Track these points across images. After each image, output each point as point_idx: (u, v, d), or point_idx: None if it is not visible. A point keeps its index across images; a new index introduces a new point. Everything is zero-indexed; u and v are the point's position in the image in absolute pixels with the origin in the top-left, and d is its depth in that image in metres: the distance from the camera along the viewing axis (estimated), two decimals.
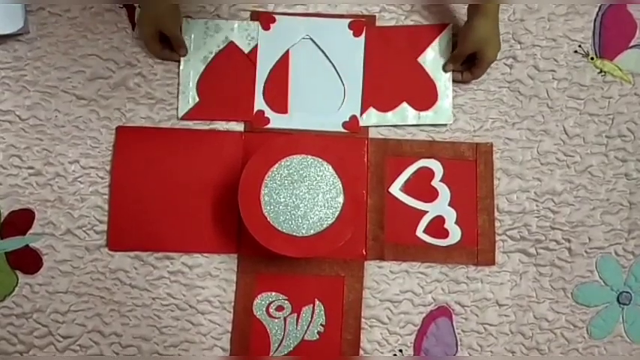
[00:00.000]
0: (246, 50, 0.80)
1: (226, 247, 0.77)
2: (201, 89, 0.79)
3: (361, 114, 0.79)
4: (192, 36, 0.79)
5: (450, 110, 0.79)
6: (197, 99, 0.79)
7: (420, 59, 0.80)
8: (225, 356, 0.75)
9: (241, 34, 0.80)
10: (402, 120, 0.79)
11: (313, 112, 0.79)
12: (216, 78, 0.79)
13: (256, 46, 0.80)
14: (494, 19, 0.74)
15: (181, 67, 0.79)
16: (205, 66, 0.79)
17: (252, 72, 0.79)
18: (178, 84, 0.79)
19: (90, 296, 0.76)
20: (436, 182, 0.78)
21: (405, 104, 0.79)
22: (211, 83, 0.79)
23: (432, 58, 0.80)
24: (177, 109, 0.78)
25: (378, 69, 0.80)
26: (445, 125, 0.79)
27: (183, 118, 0.78)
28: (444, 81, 0.80)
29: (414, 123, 0.79)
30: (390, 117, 0.79)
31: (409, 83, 0.80)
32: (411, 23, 0.81)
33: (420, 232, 0.78)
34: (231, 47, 0.80)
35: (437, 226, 0.78)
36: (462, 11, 0.80)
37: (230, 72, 0.79)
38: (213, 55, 0.79)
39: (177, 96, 0.79)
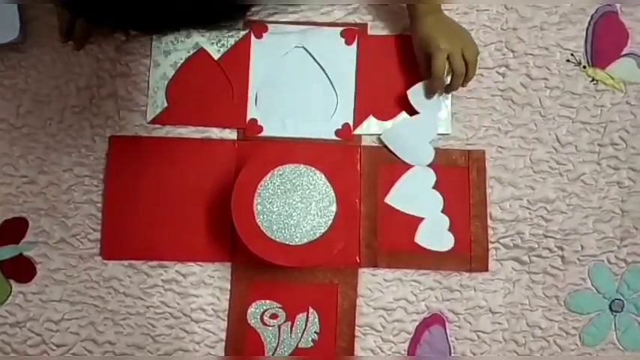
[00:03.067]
0: (216, 57, 0.80)
1: (220, 256, 0.77)
2: (170, 94, 0.79)
3: (358, 122, 0.79)
4: (163, 41, 0.79)
5: (448, 120, 0.79)
6: (166, 104, 0.79)
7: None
8: (221, 356, 0.75)
9: (212, 40, 0.80)
10: None
11: (306, 120, 0.79)
12: (185, 83, 0.79)
13: (226, 52, 0.80)
14: (429, 23, 0.73)
15: (151, 72, 0.79)
16: (175, 71, 0.79)
17: (221, 78, 0.79)
18: (148, 88, 0.79)
19: (84, 305, 0.76)
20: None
21: (404, 113, 0.80)
22: (180, 88, 0.79)
23: None
24: (145, 113, 0.79)
25: (374, 77, 0.80)
26: (444, 134, 0.79)
27: (151, 122, 0.78)
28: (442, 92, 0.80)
29: None
30: (390, 126, 0.79)
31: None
32: (406, 32, 0.81)
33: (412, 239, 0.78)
34: (201, 53, 0.80)
35: None
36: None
37: (199, 78, 0.79)
38: (183, 60, 0.80)
39: (147, 100, 0.79)
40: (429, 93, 0.78)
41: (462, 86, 0.77)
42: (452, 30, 0.75)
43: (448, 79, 0.76)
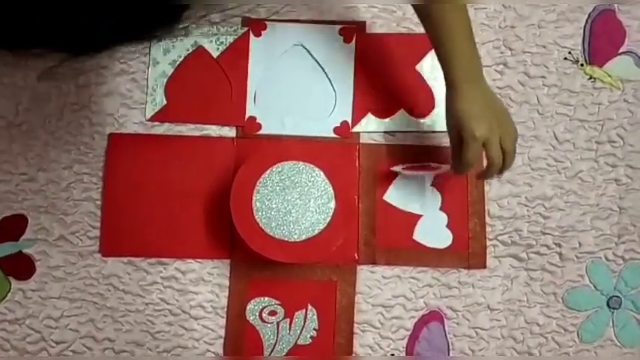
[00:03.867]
0: (215, 55, 0.80)
1: (219, 253, 0.77)
2: (169, 92, 0.79)
3: (356, 120, 0.79)
4: (162, 39, 0.80)
5: None
6: (165, 101, 0.79)
7: (418, 67, 0.80)
8: (220, 356, 0.76)
9: (211, 38, 0.80)
10: (400, 126, 0.80)
11: (305, 118, 0.79)
12: (184, 81, 0.80)
13: (225, 50, 0.80)
14: (467, 96, 0.63)
15: (150, 70, 0.79)
16: (174, 69, 0.80)
17: (220, 76, 0.80)
18: (147, 86, 0.79)
19: (83, 302, 0.76)
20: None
21: (402, 111, 0.80)
22: (179, 86, 0.79)
23: (430, 66, 0.80)
24: (144, 110, 0.79)
25: (372, 75, 0.80)
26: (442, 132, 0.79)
27: (150, 120, 0.79)
28: (441, 89, 0.80)
29: (413, 130, 0.79)
30: (389, 123, 0.80)
31: (407, 90, 0.80)
32: (404, 30, 0.81)
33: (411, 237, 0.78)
34: (200, 51, 0.80)
35: None
36: None
37: (198, 76, 0.80)
38: (182, 58, 0.80)
39: (146, 98, 0.79)
40: (456, 174, 0.69)
41: (497, 175, 0.68)
42: (491, 112, 0.64)
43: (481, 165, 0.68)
